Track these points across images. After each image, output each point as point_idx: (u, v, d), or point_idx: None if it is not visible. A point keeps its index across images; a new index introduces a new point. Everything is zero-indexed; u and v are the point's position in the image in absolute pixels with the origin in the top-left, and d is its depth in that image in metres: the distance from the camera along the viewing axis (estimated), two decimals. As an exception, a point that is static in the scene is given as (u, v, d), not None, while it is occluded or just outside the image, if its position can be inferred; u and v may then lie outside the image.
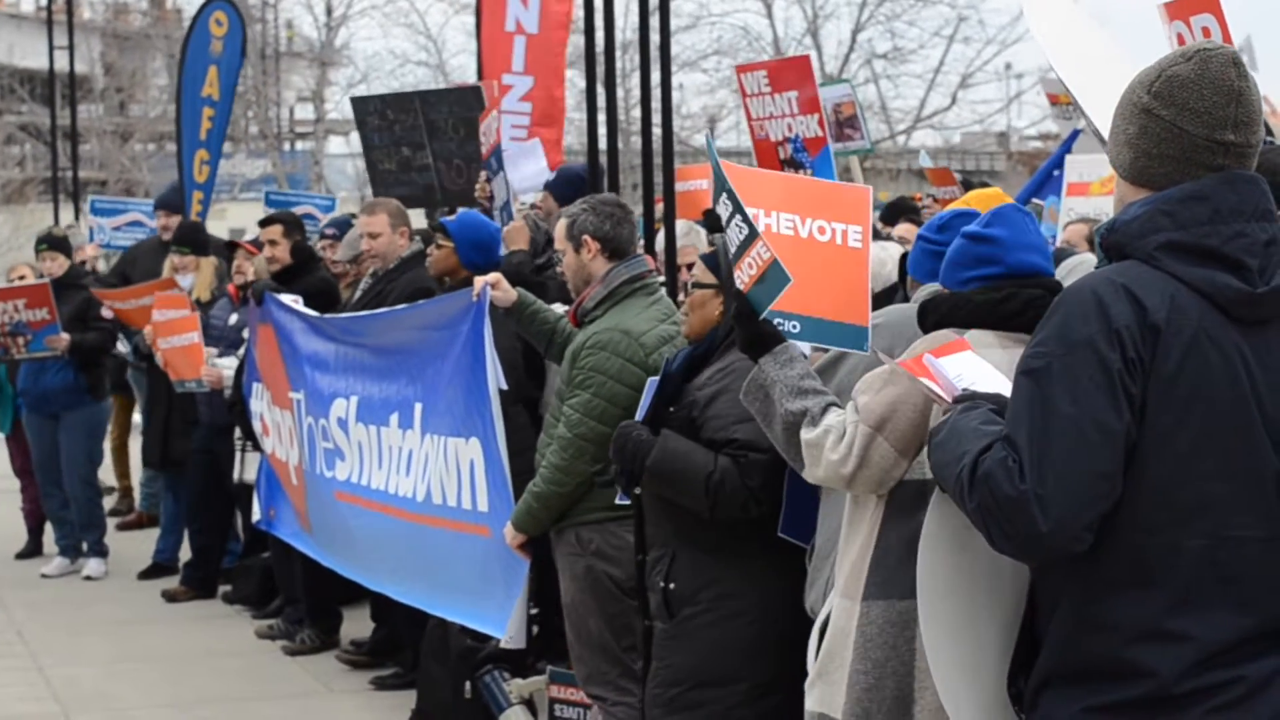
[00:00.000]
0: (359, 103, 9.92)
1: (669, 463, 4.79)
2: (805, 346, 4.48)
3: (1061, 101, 13.14)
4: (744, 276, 4.31)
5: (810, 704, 4.08)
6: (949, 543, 3.33)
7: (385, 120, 9.32)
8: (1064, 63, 5.50)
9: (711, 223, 4.52)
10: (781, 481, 4.68)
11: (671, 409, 4.91)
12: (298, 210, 11.74)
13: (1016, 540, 2.97)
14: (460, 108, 9.23)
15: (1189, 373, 2.98)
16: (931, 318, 4.04)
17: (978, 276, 3.98)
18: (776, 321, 4.29)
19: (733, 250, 4.35)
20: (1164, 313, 2.97)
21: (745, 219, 4.27)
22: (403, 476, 7.05)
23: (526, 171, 9.01)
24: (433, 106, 8.88)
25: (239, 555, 10.48)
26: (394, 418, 7.11)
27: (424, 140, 9.10)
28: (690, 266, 6.89)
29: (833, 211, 4.44)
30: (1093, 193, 9.76)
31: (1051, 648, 3.09)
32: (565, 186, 8.26)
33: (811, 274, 4.29)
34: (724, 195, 4.37)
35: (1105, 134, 3.23)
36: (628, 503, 5.41)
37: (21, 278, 11.21)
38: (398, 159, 9.28)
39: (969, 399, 3.25)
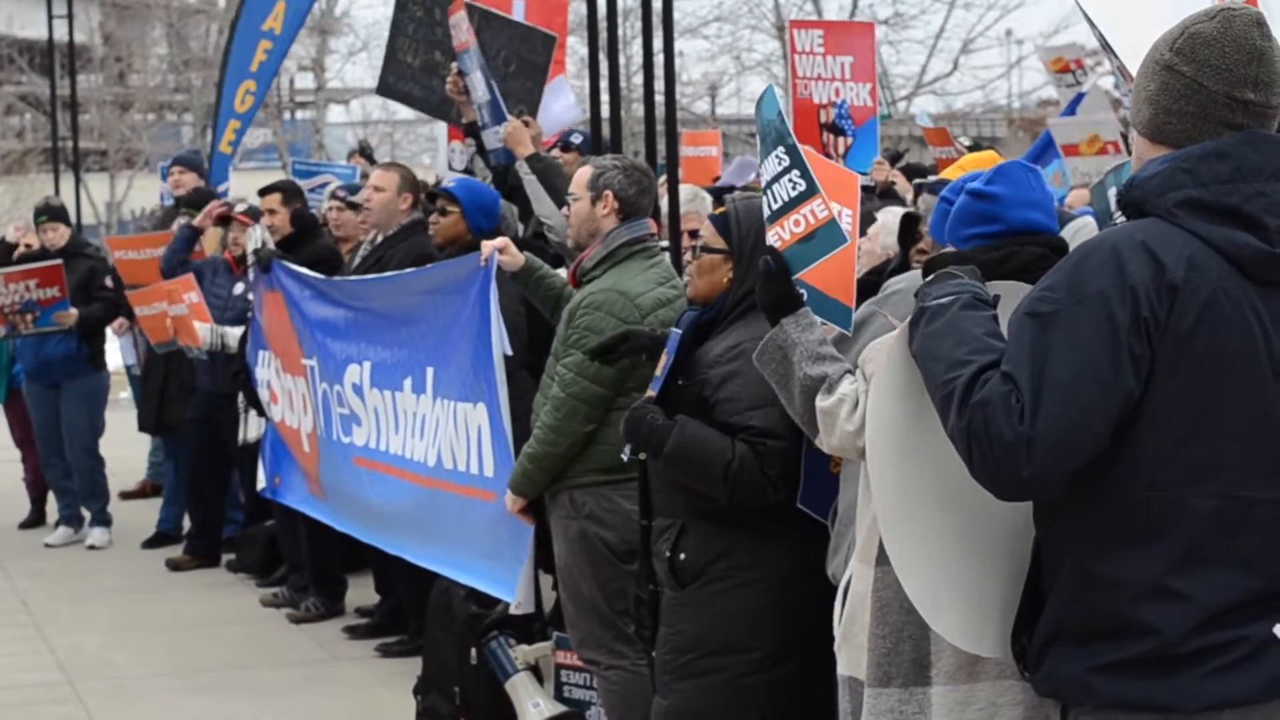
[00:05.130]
0: None
1: (686, 450, 4.76)
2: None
3: (1061, 69, 13.10)
4: (784, 234, 4.28)
5: (840, 667, 4.12)
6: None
7: (429, 17, 8.79)
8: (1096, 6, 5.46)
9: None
10: (799, 468, 4.67)
11: (681, 381, 4.88)
12: (319, 180, 11.64)
13: (998, 480, 2.98)
14: (524, 47, 8.64)
15: (1205, 330, 2.98)
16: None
17: (979, 234, 3.99)
18: None
19: (776, 206, 4.31)
20: (1182, 271, 2.97)
21: (805, 174, 4.23)
22: (417, 440, 7.06)
23: (554, 110, 8.68)
24: (490, 29, 8.33)
25: (243, 524, 10.48)
26: (408, 382, 7.11)
27: None
28: (693, 233, 6.88)
29: (830, 190, 4.42)
30: (1083, 153, 9.78)
31: (1056, 605, 3.10)
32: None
33: None
34: (779, 149, 4.33)
35: (1134, 72, 3.21)
36: (624, 466, 5.39)
37: (29, 246, 11.13)
38: (423, 59, 8.74)
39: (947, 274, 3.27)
